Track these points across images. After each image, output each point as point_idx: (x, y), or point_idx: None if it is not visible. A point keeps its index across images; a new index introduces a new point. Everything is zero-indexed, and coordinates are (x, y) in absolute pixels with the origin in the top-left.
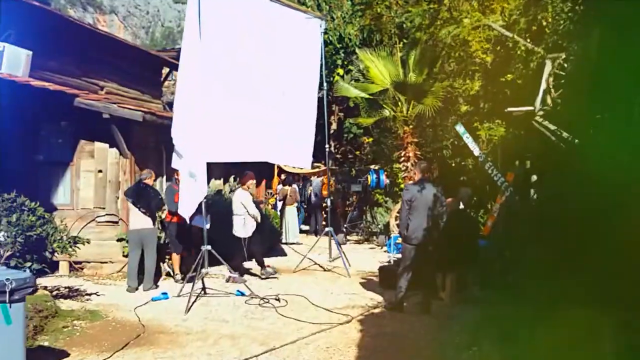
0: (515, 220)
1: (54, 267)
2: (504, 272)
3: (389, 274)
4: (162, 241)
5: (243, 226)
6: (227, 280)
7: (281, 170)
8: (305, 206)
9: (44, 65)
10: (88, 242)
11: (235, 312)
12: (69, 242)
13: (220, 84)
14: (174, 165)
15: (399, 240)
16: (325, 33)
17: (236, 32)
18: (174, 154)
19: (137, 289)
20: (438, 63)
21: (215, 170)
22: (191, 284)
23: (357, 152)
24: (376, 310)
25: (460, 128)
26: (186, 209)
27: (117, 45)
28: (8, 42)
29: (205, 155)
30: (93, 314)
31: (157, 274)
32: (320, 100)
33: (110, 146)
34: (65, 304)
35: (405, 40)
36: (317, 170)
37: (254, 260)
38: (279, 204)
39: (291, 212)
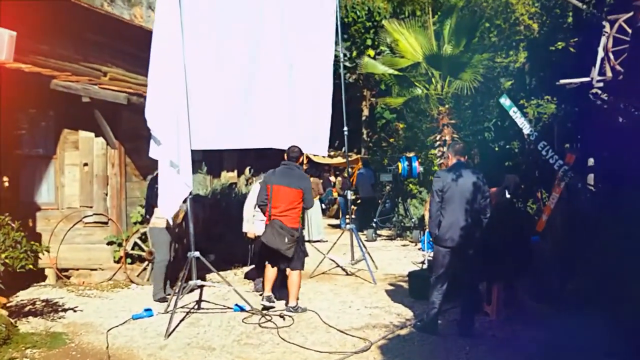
0: (578, 214)
1: (40, 275)
2: (565, 279)
3: (421, 280)
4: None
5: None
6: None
7: (310, 161)
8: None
9: (37, 49)
10: (47, 251)
11: (227, 335)
12: (25, 252)
13: (209, 52)
14: (151, 154)
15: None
16: (352, 9)
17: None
18: (151, 141)
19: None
20: (477, 32)
21: (227, 160)
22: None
23: (392, 140)
24: (403, 332)
25: (505, 101)
26: (167, 207)
27: (122, 27)
28: None
29: (191, 141)
30: (55, 339)
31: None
32: (344, 83)
33: (97, 135)
34: (30, 324)
35: (439, 13)
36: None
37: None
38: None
39: (314, 208)
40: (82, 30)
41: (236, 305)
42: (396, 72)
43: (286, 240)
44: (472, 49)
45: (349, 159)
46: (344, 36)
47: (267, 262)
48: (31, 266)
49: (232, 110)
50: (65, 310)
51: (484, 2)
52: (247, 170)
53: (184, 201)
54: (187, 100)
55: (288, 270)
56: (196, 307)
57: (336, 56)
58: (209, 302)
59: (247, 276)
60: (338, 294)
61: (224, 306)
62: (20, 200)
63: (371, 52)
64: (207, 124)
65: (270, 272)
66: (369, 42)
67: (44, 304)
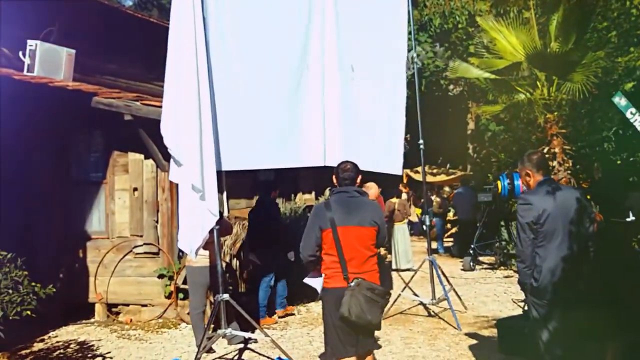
0: None
1: (88, 310)
2: None
3: (513, 332)
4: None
5: None
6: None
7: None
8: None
9: (103, 68)
10: (49, 293)
11: None
12: (26, 294)
13: (241, 56)
14: (171, 177)
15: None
16: (451, 14)
17: None
18: (170, 162)
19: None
20: (589, 26)
21: (303, 180)
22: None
23: (502, 155)
24: None
25: (620, 100)
26: (188, 240)
27: None
28: (49, 41)
29: (221, 161)
30: None
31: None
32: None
33: (146, 157)
34: None
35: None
36: (452, 177)
37: None
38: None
39: (401, 232)
40: (155, 47)
41: (278, 358)
42: (493, 76)
43: (381, 309)
44: (583, 46)
45: (453, 176)
46: (445, 45)
47: (345, 348)
48: (28, 312)
49: (272, 123)
50: (95, 357)
51: None
52: (327, 191)
53: (210, 232)
54: (212, 114)
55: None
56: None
57: (423, 63)
58: (253, 351)
59: None
60: (410, 344)
61: (269, 358)
62: (70, 230)
63: (475, 60)
64: (239, 140)
65: None
66: (471, 49)
67: (77, 347)
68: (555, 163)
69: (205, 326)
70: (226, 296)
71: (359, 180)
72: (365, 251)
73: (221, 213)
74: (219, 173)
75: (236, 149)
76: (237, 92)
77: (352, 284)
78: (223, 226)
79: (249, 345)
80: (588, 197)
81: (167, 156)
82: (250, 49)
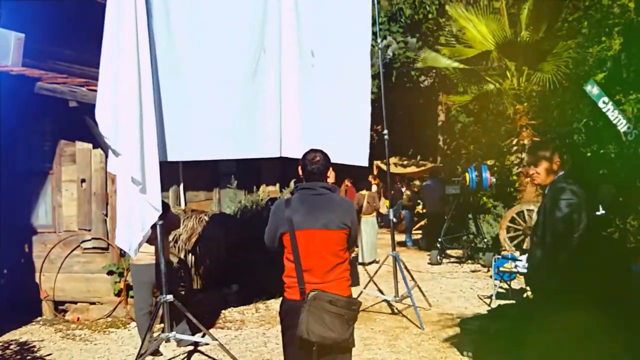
0: None
1: (34, 308)
2: None
3: (479, 333)
4: None
5: None
6: None
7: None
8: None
9: (57, 54)
10: None
11: None
12: None
13: (188, 38)
14: (109, 168)
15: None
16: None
17: None
18: (108, 152)
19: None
20: (561, 15)
21: (267, 172)
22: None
23: (472, 147)
24: None
25: (593, 89)
26: (127, 237)
27: None
28: None
29: (166, 151)
30: None
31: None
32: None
33: (94, 147)
34: None
35: None
36: (422, 169)
37: None
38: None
39: (370, 225)
40: None
41: None
42: (462, 65)
43: (348, 322)
44: (554, 35)
45: (423, 167)
46: (416, 35)
47: None
48: None
49: (224, 111)
50: (35, 359)
51: None
52: (291, 183)
53: (153, 228)
54: (156, 99)
55: None
56: None
57: (394, 53)
58: (203, 354)
59: None
60: (369, 345)
61: None
62: (14, 224)
63: (446, 51)
64: (187, 129)
65: None
66: (442, 39)
67: (17, 347)
68: (524, 155)
69: (147, 329)
70: (170, 297)
71: (330, 173)
72: (331, 258)
73: (168, 206)
74: (174, 165)
75: (184, 138)
76: (185, 75)
77: (309, 297)
78: (169, 220)
79: (199, 348)
80: None
81: None
82: (199, 29)
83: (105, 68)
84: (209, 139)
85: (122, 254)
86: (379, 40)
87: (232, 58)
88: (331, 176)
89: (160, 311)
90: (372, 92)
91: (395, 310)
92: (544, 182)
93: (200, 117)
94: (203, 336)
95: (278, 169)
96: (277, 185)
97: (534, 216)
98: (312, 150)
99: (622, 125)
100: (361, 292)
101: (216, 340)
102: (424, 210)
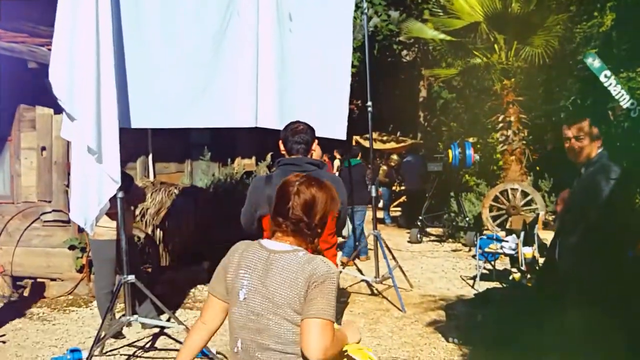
0: None
1: None
2: None
3: (465, 319)
4: None
5: None
6: None
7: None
8: None
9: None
10: None
11: None
12: None
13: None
14: (63, 134)
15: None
16: None
17: None
18: (63, 116)
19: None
20: None
21: (242, 144)
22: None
23: (453, 123)
24: None
25: (594, 62)
26: (82, 210)
27: None
28: None
29: (130, 118)
30: None
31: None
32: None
33: (56, 112)
34: None
35: None
36: (402, 145)
37: None
38: None
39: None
40: None
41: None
42: (449, 37)
43: None
44: (545, 8)
45: (403, 144)
46: (400, 9)
47: None
48: None
49: (193, 76)
50: None
51: None
52: (268, 156)
53: (112, 201)
54: (117, 61)
55: None
56: (147, 347)
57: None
58: (170, 337)
59: None
60: None
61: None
62: None
63: (430, 25)
64: (153, 94)
65: None
66: (426, 13)
67: None
68: (510, 132)
69: (106, 311)
70: (131, 277)
71: (315, 147)
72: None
73: (131, 178)
74: (142, 134)
75: (150, 105)
76: (151, 37)
77: None
78: (133, 194)
79: (165, 330)
80: (538, 168)
81: None
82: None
83: (62, 23)
84: (177, 106)
85: (80, 229)
86: (364, 5)
87: (202, 18)
88: (317, 150)
89: (122, 292)
90: (353, 66)
91: (375, 292)
92: (582, 158)
93: (168, 83)
94: (168, 320)
95: (255, 141)
96: (254, 158)
97: (518, 195)
98: (296, 121)
99: (625, 101)
100: (340, 271)
101: (183, 324)
102: (403, 187)
